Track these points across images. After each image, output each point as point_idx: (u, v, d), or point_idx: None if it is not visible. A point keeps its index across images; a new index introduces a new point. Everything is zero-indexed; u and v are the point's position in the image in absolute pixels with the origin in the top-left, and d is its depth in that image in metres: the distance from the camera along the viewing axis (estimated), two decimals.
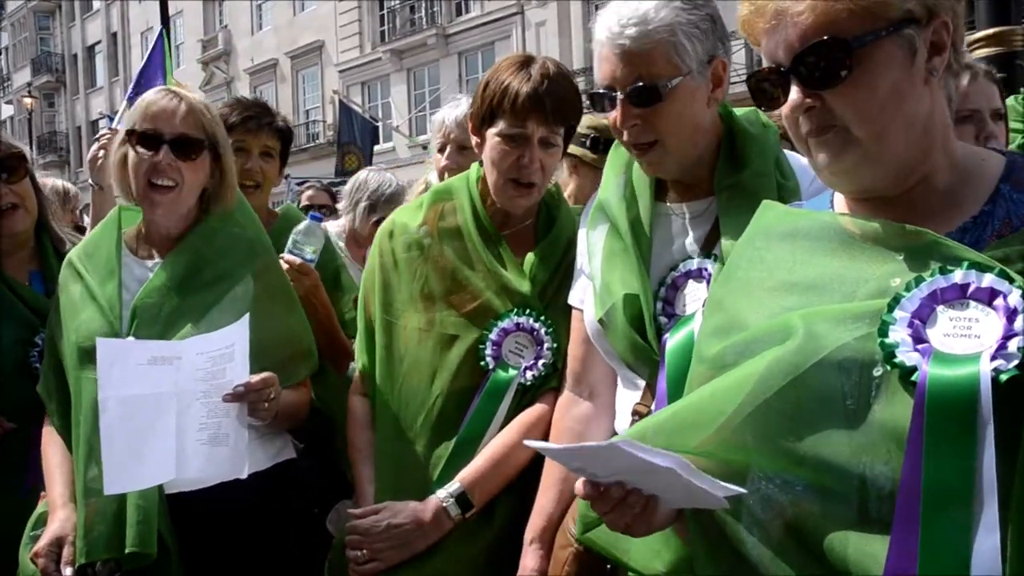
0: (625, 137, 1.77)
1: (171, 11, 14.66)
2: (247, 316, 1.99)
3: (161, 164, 2.12)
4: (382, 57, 27.04)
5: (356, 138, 13.85)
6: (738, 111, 1.89)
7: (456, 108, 2.97)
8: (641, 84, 1.69)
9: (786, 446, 1.17)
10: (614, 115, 1.75)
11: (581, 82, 19.29)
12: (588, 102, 1.87)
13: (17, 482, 2.34)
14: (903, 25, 1.18)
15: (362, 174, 3.96)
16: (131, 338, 2.09)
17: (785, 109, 1.26)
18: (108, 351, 2.00)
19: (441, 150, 3.05)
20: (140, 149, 2.13)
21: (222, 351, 1.97)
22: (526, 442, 1.77)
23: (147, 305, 2.14)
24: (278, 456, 2.23)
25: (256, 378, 1.99)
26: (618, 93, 1.72)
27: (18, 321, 2.44)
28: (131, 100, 5.33)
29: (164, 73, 5.34)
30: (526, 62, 2.06)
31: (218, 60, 33.54)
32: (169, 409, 1.97)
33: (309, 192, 5.24)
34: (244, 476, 1.96)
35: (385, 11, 27.81)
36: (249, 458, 2.09)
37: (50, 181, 3.57)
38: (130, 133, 2.15)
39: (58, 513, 2.10)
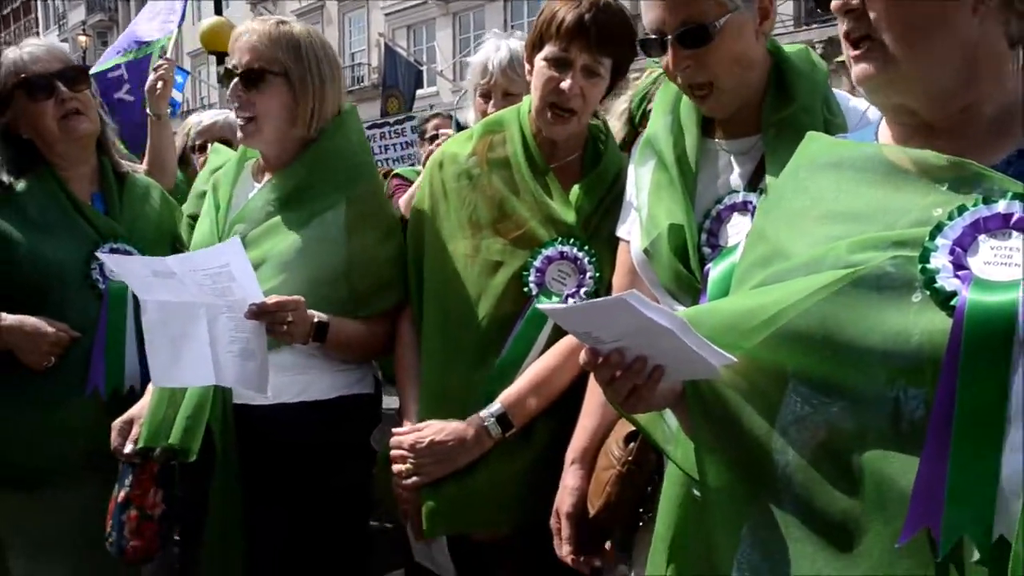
0: (679, 80, 1.78)
1: None
2: (237, 238, 2.04)
3: (235, 96, 2.24)
4: (428, 1, 26.84)
5: (399, 81, 13.79)
6: (788, 48, 1.89)
7: (499, 51, 2.85)
8: (690, 25, 1.70)
9: (823, 365, 1.20)
10: (666, 59, 1.76)
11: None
12: (640, 48, 1.88)
13: (78, 387, 2.45)
14: None
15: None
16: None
17: (834, 6, 1.27)
18: (117, 265, 2.15)
19: (485, 96, 2.91)
20: (226, 83, 2.30)
21: (216, 269, 1.99)
22: (539, 305, 1.85)
23: (244, 220, 2.28)
24: (348, 388, 2.30)
25: (271, 299, 2.03)
26: (668, 37, 1.73)
27: (80, 237, 2.52)
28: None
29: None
30: None
31: (266, 1, 33.48)
32: (200, 317, 2.05)
33: (435, 121, 5.12)
34: (268, 394, 2.03)
35: None
36: (310, 386, 2.23)
37: None
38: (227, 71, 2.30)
39: (144, 397, 2.30)
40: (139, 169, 2.91)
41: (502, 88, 2.81)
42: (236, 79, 2.23)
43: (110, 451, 2.29)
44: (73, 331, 2.44)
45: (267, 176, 2.36)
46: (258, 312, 2.01)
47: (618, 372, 1.32)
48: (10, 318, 2.40)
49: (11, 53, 2.54)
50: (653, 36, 1.76)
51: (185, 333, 2.05)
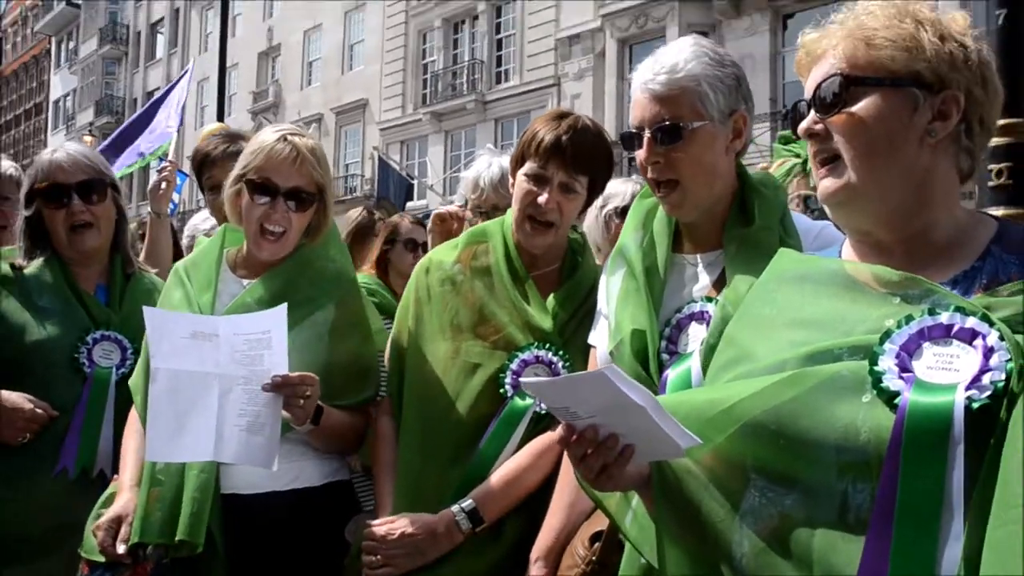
0: (649, 174, 1.91)
1: (228, 64, 15.23)
2: (284, 305, 2.08)
3: (275, 215, 2.27)
4: (422, 118, 27.63)
5: (390, 193, 14.10)
6: (753, 174, 2.02)
7: (490, 168, 2.94)
8: (666, 123, 1.84)
9: (779, 457, 1.28)
10: (641, 153, 1.89)
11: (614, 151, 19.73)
12: (620, 142, 2.01)
13: (50, 464, 2.47)
14: (908, 83, 1.33)
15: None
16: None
17: (799, 129, 1.43)
18: (155, 321, 2.13)
19: (475, 210, 2.98)
20: (257, 196, 2.27)
21: (258, 336, 2.05)
22: (522, 379, 1.93)
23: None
24: (332, 476, 2.34)
25: (295, 373, 2.08)
26: (645, 132, 1.87)
27: (74, 321, 2.60)
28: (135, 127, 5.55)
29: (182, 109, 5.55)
30: (562, 116, 2.24)
31: (267, 111, 34.39)
32: (212, 389, 2.06)
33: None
34: (274, 468, 2.05)
35: (428, 75, 28.48)
36: (302, 473, 2.25)
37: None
38: (248, 182, 2.28)
39: (124, 494, 2.23)
40: (149, 270, 2.98)
41: (492, 203, 2.92)
42: (280, 198, 2.26)
43: (74, 528, 2.26)
44: (52, 410, 2.48)
45: (249, 273, 2.40)
46: (282, 383, 2.06)
47: (590, 449, 1.39)
48: None
49: (45, 155, 2.69)
50: (633, 131, 1.90)
51: (193, 405, 2.06)
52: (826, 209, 1.44)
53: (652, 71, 1.86)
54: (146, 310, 2.14)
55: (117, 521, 2.18)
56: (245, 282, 2.39)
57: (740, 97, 1.90)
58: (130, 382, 2.44)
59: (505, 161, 2.91)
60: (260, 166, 2.27)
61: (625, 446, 1.39)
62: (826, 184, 1.39)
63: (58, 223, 2.63)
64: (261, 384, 2.06)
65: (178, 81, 5.72)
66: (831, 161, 1.39)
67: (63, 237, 2.64)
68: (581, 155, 2.18)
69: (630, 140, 1.92)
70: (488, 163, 2.98)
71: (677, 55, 1.85)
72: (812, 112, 1.40)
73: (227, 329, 2.08)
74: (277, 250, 2.33)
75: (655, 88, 1.85)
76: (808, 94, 1.42)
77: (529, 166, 2.21)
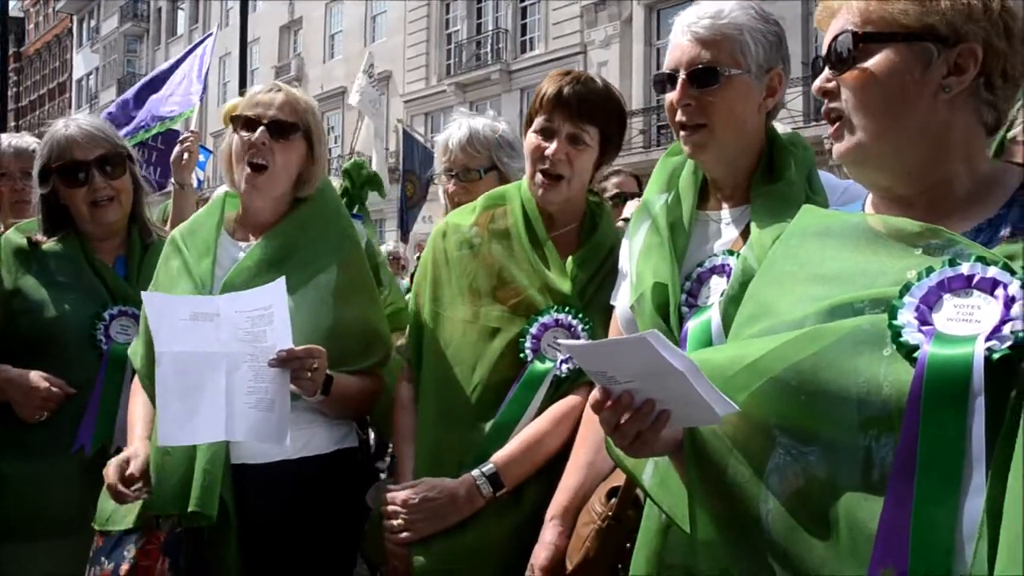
0: (678, 116, 1.88)
1: (249, 38, 15.22)
2: (283, 279, 2.08)
3: (257, 143, 2.28)
4: (446, 89, 27.52)
5: (416, 166, 14.08)
6: (783, 134, 2.00)
7: (460, 129, 2.93)
8: (702, 66, 1.82)
9: (801, 414, 1.27)
10: (672, 95, 1.87)
11: (639, 121, 19.44)
12: (653, 85, 2.01)
13: (68, 441, 2.50)
14: (920, 37, 1.29)
15: None
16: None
17: (814, 88, 1.41)
18: (154, 305, 2.13)
19: (447, 172, 2.97)
20: (242, 132, 2.31)
21: (260, 311, 2.05)
22: (561, 341, 1.93)
23: (236, 283, 2.27)
24: (341, 443, 2.35)
25: (300, 347, 2.08)
26: (680, 73, 1.85)
27: (92, 296, 2.61)
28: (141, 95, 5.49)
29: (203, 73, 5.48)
30: (567, 72, 2.24)
31: (289, 86, 34.48)
32: (219, 369, 2.07)
33: (616, 179, 5.01)
34: (286, 443, 2.05)
35: (452, 45, 28.35)
36: (311, 440, 2.25)
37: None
38: (235, 119, 2.33)
39: (135, 443, 2.26)
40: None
41: (462, 164, 2.89)
42: (261, 128, 2.28)
43: (92, 509, 2.30)
44: (69, 388, 2.50)
45: (249, 236, 2.40)
46: (287, 358, 2.06)
47: (625, 415, 1.38)
48: (13, 371, 2.47)
49: (57, 130, 2.66)
50: (667, 72, 1.89)
51: (200, 385, 2.07)
52: (842, 164, 1.42)
53: (696, 14, 1.86)
54: (144, 295, 2.16)
55: (126, 461, 2.21)
56: (243, 245, 2.39)
57: (779, 56, 1.89)
58: (129, 351, 2.44)
59: (477, 122, 2.91)
60: (246, 106, 2.33)
61: (661, 411, 1.37)
62: (837, 145, 1.37)
63: (78, 200, 2.63)
64: (267, 360, 2.06)
65: (197, 46, 5.64)
66: (837, 120, 1.37)
67: (84, 212, 2.64)
68: (586, 105, 2.17)
69: (662, 82, 1.90)
70: (459, 124, 2.95)
71: (723, 3, 1.85)
72: (826, 69, 1.38)
73: (227, 307, 2.07)
74: (264, 186, 2.32)
75: (697, 31, 1.84)
76: (824, 51, 1.39)
77: (536, 122, 2.22)
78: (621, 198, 3.77)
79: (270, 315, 2.05)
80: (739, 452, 1.37)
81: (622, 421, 1.39)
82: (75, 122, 2.70)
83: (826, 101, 1.39)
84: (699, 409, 1.32)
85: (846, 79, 1.34)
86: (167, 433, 2.08)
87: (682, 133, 1.90)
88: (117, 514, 2.26)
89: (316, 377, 2.13)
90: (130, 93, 5.69)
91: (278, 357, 2.06)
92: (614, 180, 4.54)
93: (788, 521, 1.27)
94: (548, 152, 2.19)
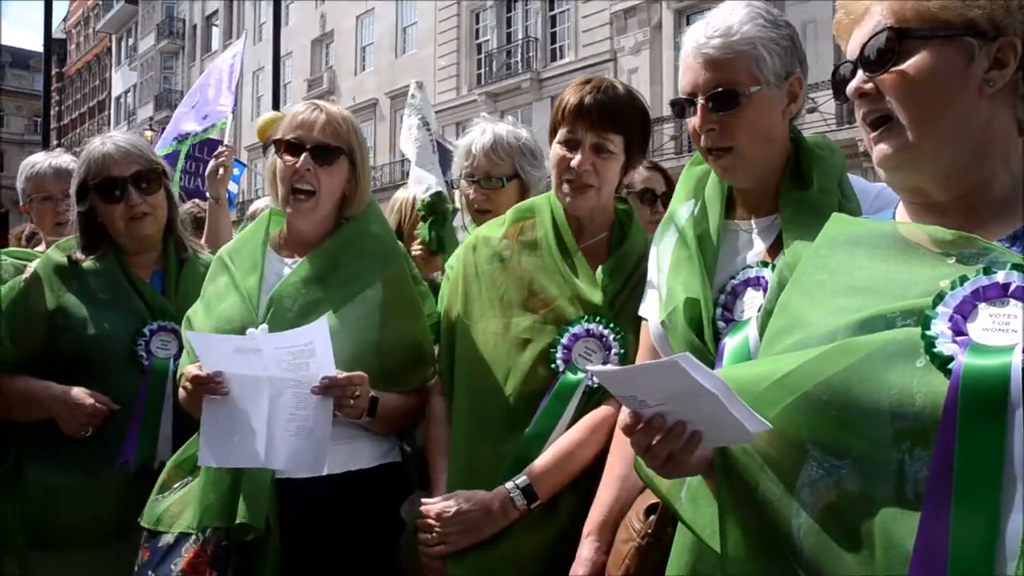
0: (703, 142, 1.86)
1: (282, 52, 15.39)
2: (325, 317, 2.10)
3: (301, 170, 2.29)
4: (477, 99, 27.59)
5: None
6: (808, 136, 1.97)
7: (484, 135, 2.88)
8: (721, 90, 1.79)
9: (833, 427, 1.24)
10: (694, 121, 1.85)
11: (671, 127, 19.33)
12: (672, 109, 1.96)
13: (112, 456, 2.52)
14: (962, 32, 1.27)
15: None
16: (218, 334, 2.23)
17: (848, 91, 1.36)
18: (198, 342, 2.17)
19: (468, 178, 2.91)
20: (286, 157, 2.32)
21: (301, 347, 2.07)
22: (590, 368, 1.90)
23: (282, 297, 2.30)
24: (384, 458, 2.36)
25: (343, 374, 2.11)
26: (699, 99, 1.82)
27: (131, 312, 2.65)
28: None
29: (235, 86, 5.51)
30: (588, 80, 2.23)
31: (322, 98, 34.71)
32: (262, 393, 2.10)
33: (644, 175, 4.89)
34: (323, 473, 2.08)
35: (482, 55, 28.45)
36: (354, 455, 2.26)
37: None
38: (277, 142, 2.34)
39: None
40: (204, 250, 3.01)
41: (484, 170, 2.86)
42: (306, 153, 2.29)
43: (135, 522, 2.32)
44: (113, 404, 2.53)
45: (294, 253, 2.42)
46: (330, 385, 2.08)
47: (657, 438, 1.36)
48: (57, 388, 2.51)
49: (95, 148, 2.71)
50: (685, 98, 1.86)
51: (243, 409, 2.10)
52: (880, 172, 1.38)
53: (705, 34, 1.81)
54: (188, 334, 2.22)
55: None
56: (289, 261, 2.41)
57: (795, 59, 1.86)
58: (180, 370, 2.41)
59: (501, 128, 2.89)
60: (288, 128, 2.33)
61: (692, 432, 1.36)
62: (882, 148, 1.33)
63: (116, 216, 2.67)
64: (310, 387, 2.08)
65: (224, 57, 5.67)
66: (883, 122, 1.33)
67: (121, 227, 2.68)
68: (608, 113, 2.17)
69: (681, 107, 1.88)
70: (482, 130, 2.90)
71: (730, 17, 1.81)
72: (860, 72, 1.34)
73: (268, 345, 2.09)
74: (310, 211, 2.34)
75: (709, 52, 1.80)
76: (853, 53, 1.36)
77: (560, 133, 2.22)
78: (650, 196, 3.75)
79: (312, 349, 2.06)
80: (770, 468, 1.34)
81: (653, 443, 1.37)
82: (111, 139, 2.74)
83: (861, 104, 1.36)
84: (731, 428, 1.30)
85: (887, 80, 1.31)
86: (207, 454, 2.13)
87: (710, 157, 1.88)
88: (166, 516, 2.27)
89: (359, 405, 2.15)
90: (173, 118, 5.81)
91: (321, 384, 2.08)
92: (642, 175, 4.43)
93: (820, 536, 1.25)
94: (574, 164, 2.18)
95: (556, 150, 2.23)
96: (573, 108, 2.17)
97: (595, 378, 2.07)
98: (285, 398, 2.10)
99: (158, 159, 2.82)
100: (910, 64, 1.29)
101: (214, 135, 5.34)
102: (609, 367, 1.97)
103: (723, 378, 1.36)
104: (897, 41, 1.29)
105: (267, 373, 2.10)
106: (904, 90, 1.30)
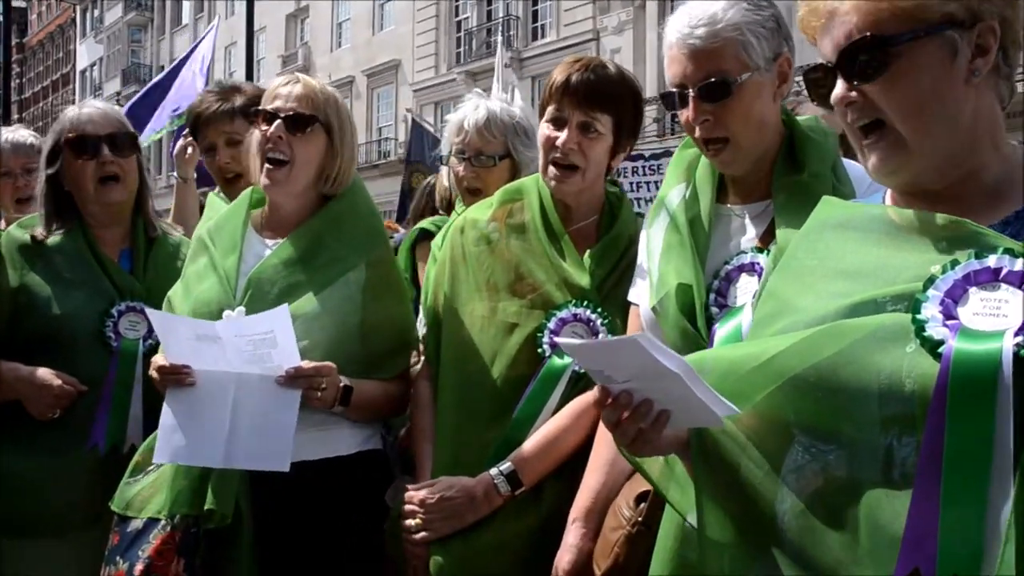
0: (697, 133, 1.84)
1: (255, 27, 15.21)
2: (286, 306, 2.06)
3: (273, 137, 2.25)
4: (456, 78, 27.44)
5: (425, 157, 14.06)
6: (800, 119, 1.96)
7: (477, 111, 2.82)
8: (712, 80, 1.77)
9: (821, 411, 1.25)
10: (686, 113, 1.83)
11: (653, 109, 19.37)
12: (662, 101, 1.95)
13: (80, 438, 2.49)
14: (943, 27, 1.25)
15: None
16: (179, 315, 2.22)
17: (832, 100, 1.34)
18: (159, 323, 2.14)
19: (459, 154, 2.84)
20: (261, 126, 2.28)
21: (262, 336, 2.03)
22: (557, 339, 1.90)
23: (261, 280, 2.26)
24: (363, 445, 2.33)
25: (308, 364, 2.08)
26: (689, 90, 1.80)
27: (99, 292, 2.61)
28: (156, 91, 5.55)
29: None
30: (578, 59, 2.21)
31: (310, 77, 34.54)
32: (227, 388, 2.07)
33: None
34: (286, 469, 2.04)
35: (462, 33, 28.31)
36: (331, 442, 2.23)
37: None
38: (255, 113, 2.32)
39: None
40: (176, 230, 2.97)
41: (476, 147, 2.81)
42: (278, 121, 2.25)
43: (106, 506, 2.30)
44: (81, 385, 2.49)
45: (276, 234, 2.38)
46: (295, 376, 2.05)
47: (625, 414, 1.37)
48: (23, 369, 2.47)
49: (70, 111, 2.71)
50: (674, 89, 1.83)
51: (207, 404, 2.07)
52: (872, 176, 1.37)
53: (688, 24, 1.79)
54: (149, 313, 2.19)
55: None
56: (271, 242, 2.37)
57: (781, 39, 1.84)
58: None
59: (494, 104, 2.84)
60: (266, 99, 2.31)
61: (660, 411, 1.36)
62: (877, 157, 1.32)
63: (86, 176, 2.62)
64: (274, 379, 2.05)
65: (202, 39, 5.69)
66: (875, 127, 1.31)
67: (90, 190, 2.63)
68: (596, 92, 2.14)
69: (671, 99, 1.85)
70: (475, 105, 2.83)
71: (713, 5, 1.78)
72: (841, 81, 1.32)
73: (227, 332, 2.05)
74: (283, 181, 2.28)
75: (695, 43, 1.78)
76: (827, 58, 1.33)
77: (547, 111, 2.19)
78: None
79: (272, 339, 2.03)
80: (754, 450, 1.34)
81: (622, 418, 1.38)
82: (89, 103, 2.75)
83: (848, 112, 1.33)
84: (699, 411, 1.31)
85: (873, 89, 1.29)
86: (164, 450, 2.09)
87: (707, 150, 1.87)
88: (136, 501, 2.25)
89: (326, 395, 2.13)
90: (141, 93, 5.77)
91: (286, 374, 2.05)
92: None
93: (805, 520, 1.25)
94: (559, 142, 2.15)
95: (543, 129, 2.20)
96: (560, 86, 2.14)
97: (564, 349, 2.02)
98: (251, 393, 2.07)
99: (132, 129, 2.79)
100: (896, 70, 1.27)
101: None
102: (575, 340, 1.95)
103: (709, 359, 1.37)
104: (879, 50, 1.27)
105: (230, 365, 2.07)
106: (893, 97, 1.28)
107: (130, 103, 5.93)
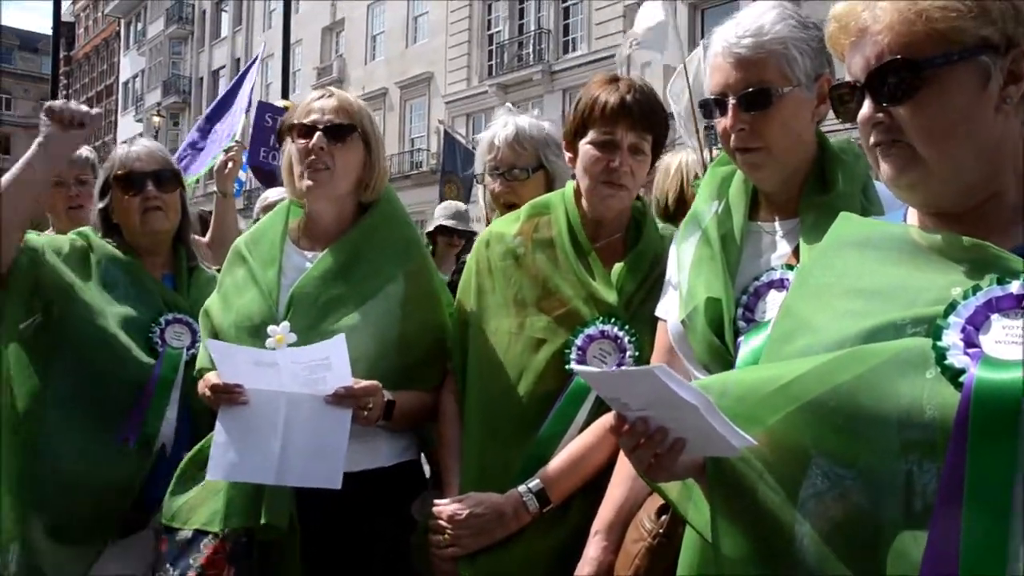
0: (732, 142, 1.85)
1: (292, 40, 15.40)
2: (343, 335, 2.08)
3: (315, 148, 2.29)
4: (488, 90, 27.54)
5: (458, 167, 14.13)
6: (834, 141, 1.96)
7: (506, 128, 2.85)
8: (753, 89, 1.79)
9: (839, 437, 1.23)
10: (724, 121, 1.84)
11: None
12: (700, 110, 1.97)
13: (120, 434, 2.54)
14: (977, 52, 1.23)
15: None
16: (235, 345, 2.23)
17: (859, 120, 1.33)
18: (218, 352, 2.18)
19: (492, 171, 2.87)
20: (299, 140, 2.32)
21: (318, 362, 2.07)
22: (574, 367, 1.91)
23: (304, 293, 2.29)
24: (401, 456, 2.36)
25: (359, 384, 2.12)
26: (730, 98, 1.82)
27: (148, 302, 2.70)
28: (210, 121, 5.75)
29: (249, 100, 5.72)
30: (614, 79, 2.21)
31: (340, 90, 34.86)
32: (279, 408, 2.11)
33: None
34: (338, 487, 2.07)
35: (494, 46, 28.39)
36: (371, 454, 2.26)
37: None
38: (291, 128, 2.36)
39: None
40: (210, 268, 3.05)
41: (509, 162, 2.83)
42: (319, 132, 2.29)
43: (144, 516, 2.36)
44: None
45: (313, 245, 2.42)
46: (345, 395, 2.09)
47: (641, 440, 1.38)
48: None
49: (120, 149, 2.86)
50: (715, 97, 1.85)
51: (259, 423, 2.11)
52: (886, 184, 1.36)
53: (736, 34, 1.81)
54: (208, 342, 2.23)
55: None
56: (310, 255, 2.40)
57: (824, 60, 1.84)
58: (197, 364, 2.45)
59: (523, 120, 2.86)
60: (300, 113, 2.35)
61: (676, 439, 1.37)
62: (891, 168, 1.31)
63: (132, 209, 2.74)
64: (326, 400, 2.10)
65: (250, 66, 5.88)
66: (895, 144, 1.30)
67: (135, 222, 2.74)
68: (646, 114, 2.16)
69: (710, 107, 1.87)
70: (504, 122, 2.87)
71: (761, 17, 1.80)
72: (869, 100, 1.31)
73: (285, 359, 2.10)
74: (327, 184, 2.32)
75: (741, 52, 1.79)
76: (855, 76, 1.32)
77: (593, 134, 2.18)
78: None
79: (328, 364, 2.07)
80: (771, 476, 1.33)
81: (638, 445, 1.39)
82: (139, 142, 2.88)
83: (873, 133, 1.32)
84: (715, 440, 1.31)
85: (902, 112, 1.27)
86: (217, 467, 2.13)
87: (738, 156, 1.87)
88: (182, 512, 2.27)
89: (372, 414, 2.17)
90: (196, 126, 5.99)
91: (336, 393, 2.09)
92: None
93: (823, 549, 1.24)
94: (614, 164, 2.16)
95: (590, 152, 2.19)
96: (615, 107, 2.14)
97: (582, 377, 2.05)
98: (302, 412, 2.11)
99: (177, 168, 2.93)
100: (926, 94, 1.25)
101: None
102: (592, 368, 1.95)
103: (728, 382, 1.38)
104: (909, 73, 1.25)
105: (284, 388, 2.11)
106: (920, 121, 1.26)
107: (191, 137, 6.16)
